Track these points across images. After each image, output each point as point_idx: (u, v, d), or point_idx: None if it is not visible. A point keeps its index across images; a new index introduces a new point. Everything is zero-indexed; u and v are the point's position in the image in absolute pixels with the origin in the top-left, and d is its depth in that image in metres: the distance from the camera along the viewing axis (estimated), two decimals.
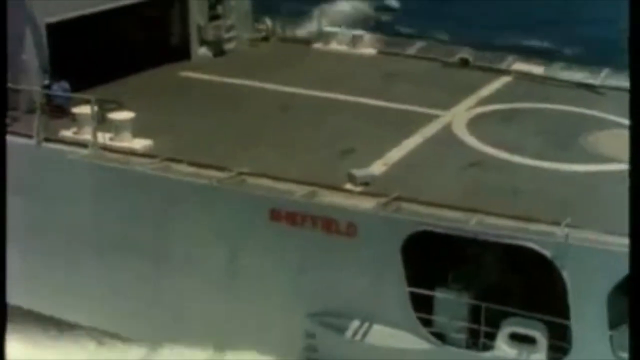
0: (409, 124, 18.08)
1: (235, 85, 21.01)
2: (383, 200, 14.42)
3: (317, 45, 24.62)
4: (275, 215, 15.02)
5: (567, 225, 13.37)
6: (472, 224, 13.67)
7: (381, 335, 15.13)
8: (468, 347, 14.76)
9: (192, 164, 15.78)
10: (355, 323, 15.23)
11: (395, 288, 14.64)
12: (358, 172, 14.98)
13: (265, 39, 25.45)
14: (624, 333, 13.69)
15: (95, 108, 16.54)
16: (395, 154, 16.52)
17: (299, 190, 14.93)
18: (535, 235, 13.55)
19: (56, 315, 18.03)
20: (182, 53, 22.96)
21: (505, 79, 21.89)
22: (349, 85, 20.65)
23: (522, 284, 14.54)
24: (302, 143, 17.12)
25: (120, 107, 17.67)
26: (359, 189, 14.92)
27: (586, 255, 13.33)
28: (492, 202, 14.44)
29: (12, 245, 13.07)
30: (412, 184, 15.20)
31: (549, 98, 20.29)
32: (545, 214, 14.04)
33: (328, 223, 14.68)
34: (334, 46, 24.47)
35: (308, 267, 15.28)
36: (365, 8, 43.89)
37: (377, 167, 15.77)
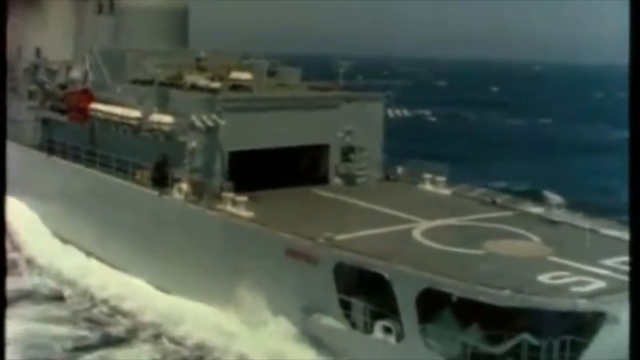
0: (395, 223, 30.21)
1: (337, 199, 34.71)
2: (320, 243, 27.68)
3: (419, 186, 38.08)
4: (288, 252, 28.76)
5: (399, 263, 25.33)
6: (346, 256, 26.49)
7: (325, 321, 27.83)
8: (363, 331, 27.01)
9: (260, 224, 30.28)
10: (318, 314, 28.31)
11: (332, 295, 27.53)
12: (327, 234, 28.06)
13: (396, 179, 39.54)
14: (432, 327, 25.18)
15: (230, 195, 32.02)
16: (363, 233, 28.90)
17: (298, 240, 28.48)
18: (381, 266, 25.77)
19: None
20: (323, 180, 37.87)
21: (505, 213, 32.60)
22: (403, 206, 32.52)
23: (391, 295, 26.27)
24: (325, 223, 29.68)
25: (249, 196, 32.66)
26: (322, 240, 28.09)
27: (401, 277, 24.85)
28: (383, 253, 26.44)
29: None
30: (351, 243, 27.58)
31: (516, 224, 29.72)
32: (402, 259, 25.71)
33: (307, 256, 27.97)
34: (427, 187, 37.63)
35: (304, 281, 28.37)
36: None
37: (344, 235, 28.10)
